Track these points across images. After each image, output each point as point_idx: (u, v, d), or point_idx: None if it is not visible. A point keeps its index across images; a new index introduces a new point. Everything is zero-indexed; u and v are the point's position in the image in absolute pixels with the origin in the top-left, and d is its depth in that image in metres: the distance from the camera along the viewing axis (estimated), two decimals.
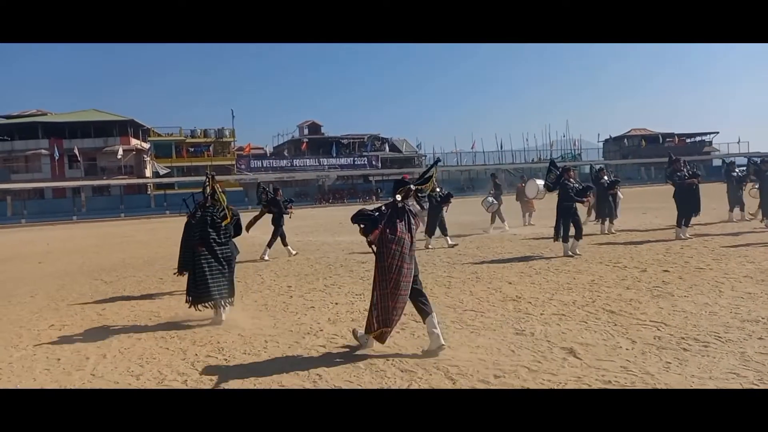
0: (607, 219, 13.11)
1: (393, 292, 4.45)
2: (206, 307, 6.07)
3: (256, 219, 11.37)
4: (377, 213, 4.67)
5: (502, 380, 3.84)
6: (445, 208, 12.00)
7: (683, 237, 10.79)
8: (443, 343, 4.44)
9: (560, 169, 10.04)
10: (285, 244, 11.76)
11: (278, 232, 11.58)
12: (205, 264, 6.06)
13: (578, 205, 9.87)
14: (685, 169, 11.31)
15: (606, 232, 12.79)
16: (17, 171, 49.98)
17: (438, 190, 11.67)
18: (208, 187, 6.42)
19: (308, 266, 10.19)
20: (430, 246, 11.91)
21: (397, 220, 4.58)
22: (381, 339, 4.56)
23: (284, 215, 11.70)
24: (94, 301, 7.82)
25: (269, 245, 11.56)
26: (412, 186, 4.75)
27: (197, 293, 6.04)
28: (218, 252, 6.17)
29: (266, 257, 11.32)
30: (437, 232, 12.13)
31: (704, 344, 4.34)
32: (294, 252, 11.88)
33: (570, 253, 9.50)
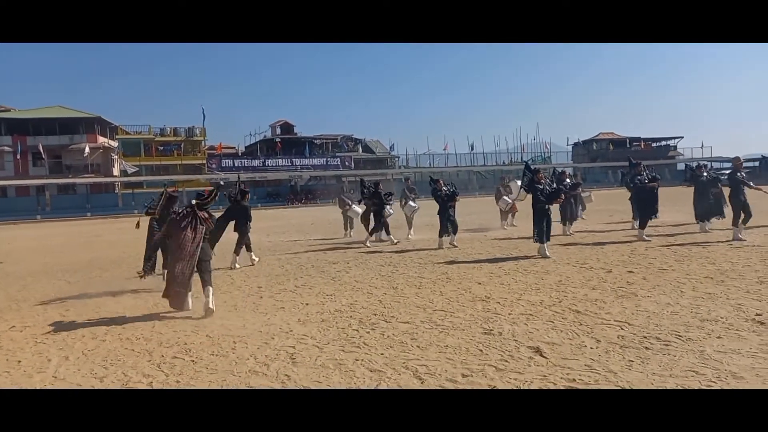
0: (567, 221, 13.51)
1: (172, 269, 6.36)
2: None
3: (368, 217, 13.40)
4: (172, 215, 6.82)
5: (470, 379, 3.88)
6: (451, 206, 11.88)
7: (646, 239, 11.08)
8: (212, 307, 6.24)
9: (532, 172, 10.13)
10: (388, 233, 12.93)
11: (380, 221, 12.82)
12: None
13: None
14: (645, 173, 11.71)
15: (567, 233, 13.14)
16: None
17: (445, 189, 12.03)
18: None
19: (279, 266, 10.12)
20: (444, 246, 11.66)
21: (182, 222, 6.53)
22: (172, 302, 6.39)
23: (386, 207, 12.93)
24: (57, 301, 7.62)
25: (371, 233, 12.92)
26: (195, 204, 6.69)
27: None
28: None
29: (369, 244, 12.65)
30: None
31: (665, 343, 4.46)
32: (395, 240, 12.68)
33: (548, 255, 9.49)
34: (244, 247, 10.29)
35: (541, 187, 9.94)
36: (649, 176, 11.69)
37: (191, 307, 6.49)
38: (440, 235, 11.84)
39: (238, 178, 11.87)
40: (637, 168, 11.71)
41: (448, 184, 12.45)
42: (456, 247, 11.55)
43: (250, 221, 10.35)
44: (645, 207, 11.38)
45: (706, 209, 12.20)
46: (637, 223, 11.46)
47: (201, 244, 6.50)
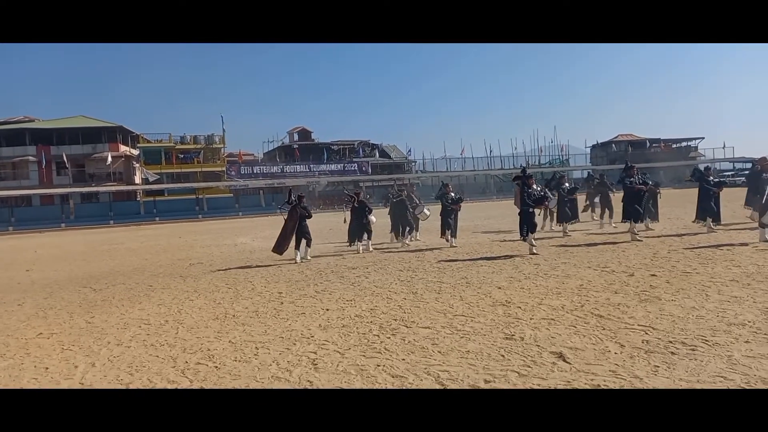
0: (569, 222, 14.52)
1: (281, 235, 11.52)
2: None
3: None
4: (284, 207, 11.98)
5: (492, 385, 3.85)
6: (454, 210, 13.16)
7: (638, 238, 11.72)
8: (302, 258, 11.56)
9: (525, 176, 11.22)
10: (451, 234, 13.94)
11: (450, 220, 13.66)
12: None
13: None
14: (636, 177, 12.28)
15: (564, 234, 13.98)
16: (4, 178, 49.49)
17: (452, 194, 13.31)
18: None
19: (299, 272, 10.18)
20: (453, 245, 12.95)
21: (289, 211, 11.58)
22: (276, 250, 11.81)
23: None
24: (83, 309, 7.76)
25: (453, 234, 13.48)
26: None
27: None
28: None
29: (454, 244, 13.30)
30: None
31: (692, 348, 4.38)
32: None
33: (535, 251, 10.55)
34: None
35: (530, 191, 10.95)
36: (640, 180, 12.32)
37: (298, 261, 11.49)
38: (442, 233, 13.21)
39: (398, 181, 15.05)
40: (630, 171, 12.24)
41: (453, 191, 13.77)
42: (455, 246, 12.68)
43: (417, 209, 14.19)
44: (631, 208, 11.96)
45: (708, 210, 12.77)
46: (629, 224, 12.17)
47: (297, 224, 11.75)
